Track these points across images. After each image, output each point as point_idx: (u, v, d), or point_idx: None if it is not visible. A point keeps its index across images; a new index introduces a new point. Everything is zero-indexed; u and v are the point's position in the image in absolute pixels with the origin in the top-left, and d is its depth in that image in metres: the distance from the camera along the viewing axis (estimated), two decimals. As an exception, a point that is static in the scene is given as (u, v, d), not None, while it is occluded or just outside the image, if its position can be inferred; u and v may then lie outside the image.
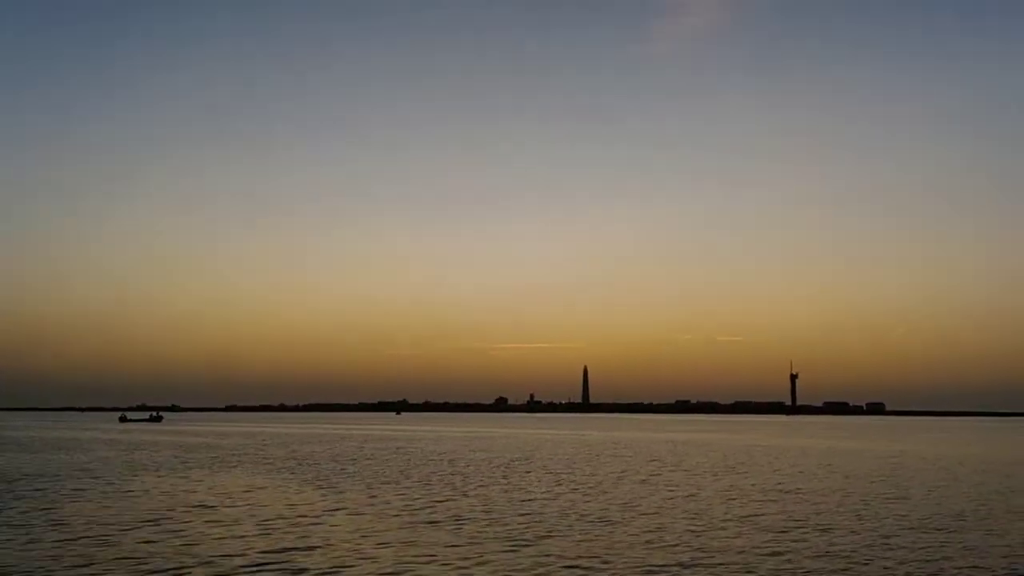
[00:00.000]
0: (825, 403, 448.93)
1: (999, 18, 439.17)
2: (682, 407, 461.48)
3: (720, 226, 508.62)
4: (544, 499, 31.59)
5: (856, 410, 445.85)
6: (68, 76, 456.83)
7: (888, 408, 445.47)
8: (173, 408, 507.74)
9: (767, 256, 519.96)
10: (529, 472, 45.44)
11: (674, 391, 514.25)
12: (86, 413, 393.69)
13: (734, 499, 32.14)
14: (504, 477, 41.87)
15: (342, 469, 46.86)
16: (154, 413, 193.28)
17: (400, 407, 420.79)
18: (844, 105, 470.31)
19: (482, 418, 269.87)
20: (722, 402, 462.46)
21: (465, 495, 32.85)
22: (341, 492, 33.83)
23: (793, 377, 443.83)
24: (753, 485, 38.37)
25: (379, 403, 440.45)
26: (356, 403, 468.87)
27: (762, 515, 27.43)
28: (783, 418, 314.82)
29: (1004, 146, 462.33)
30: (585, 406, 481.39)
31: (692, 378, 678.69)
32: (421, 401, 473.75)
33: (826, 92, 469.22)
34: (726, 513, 27.89)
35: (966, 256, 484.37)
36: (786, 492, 35.18)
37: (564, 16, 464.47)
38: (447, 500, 31.14)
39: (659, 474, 44.69)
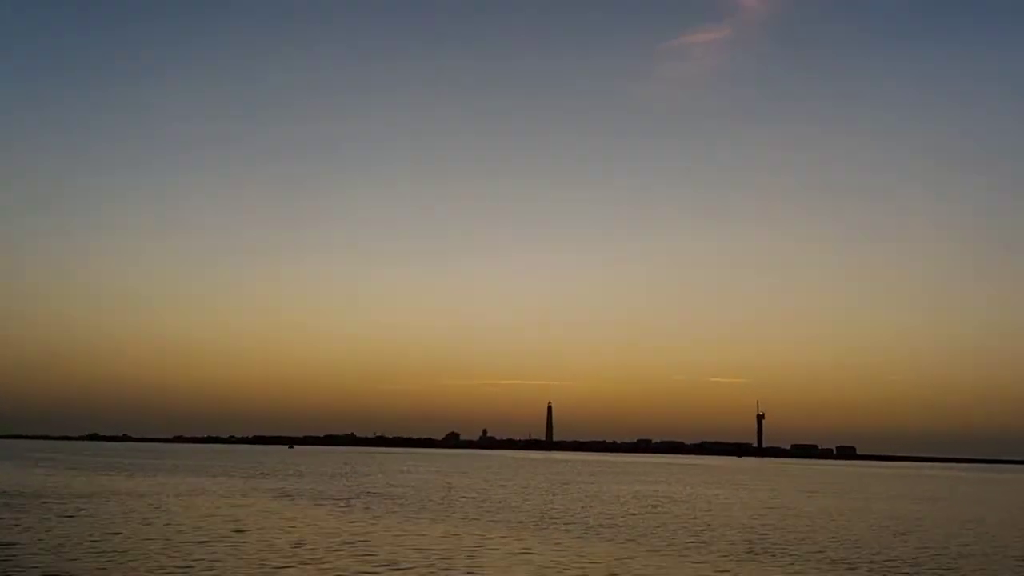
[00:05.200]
0: (793, 445, 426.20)
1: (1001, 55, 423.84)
2: (644, 447, 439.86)
3: (698, 266, 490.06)
4: None
5: (826, 453, 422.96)
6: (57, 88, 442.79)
7: (860, 452, 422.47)
8: (124, 438, 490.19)
9: (744, 295, 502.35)
10: None
11: (643, 431, 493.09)
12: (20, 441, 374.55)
13: None
14: None
15: None
16: None
17: (294, 441, 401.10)
18: (842, 145, 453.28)
19: (397, 455, 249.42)
20: (687, 442, 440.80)
21: None
22: None
23: (760, 417, 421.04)
24: None
25: (316, 436, 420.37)
26: (302, 436, 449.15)
27: None
28: (729, 461, 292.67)
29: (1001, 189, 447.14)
30: (548, 444, 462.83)
31: (666, 418, 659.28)
32: (372, 435, 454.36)
33: (826, 134, 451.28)
34: None
35: (955, 298, 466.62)
36: None
37: (562, 54, 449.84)
38: None
39: None
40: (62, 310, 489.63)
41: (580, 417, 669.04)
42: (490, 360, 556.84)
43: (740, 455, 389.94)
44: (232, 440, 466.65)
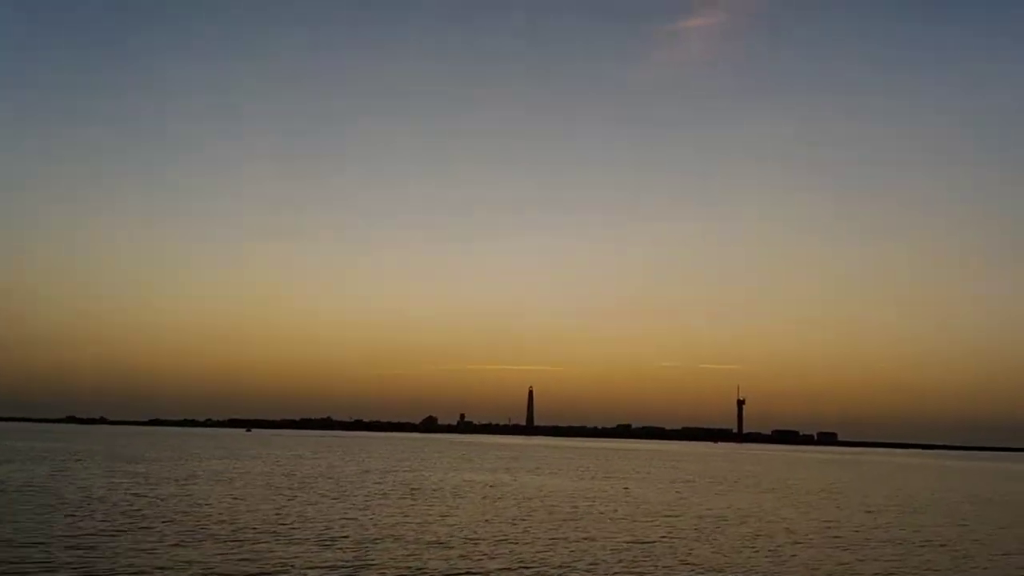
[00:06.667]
0: (774, 431, 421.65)
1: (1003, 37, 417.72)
2: (624, 432, 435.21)
3: (691, 252, 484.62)
4: None
5: (807, 439, 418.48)
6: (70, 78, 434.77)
7: (841, 438, 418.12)
8: (101, 421, 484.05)
9: (736, 282, 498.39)
10: None
11: (628, 416, 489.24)
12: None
13: None
14: None
15: None
16: None
17: (251, 424, 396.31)
18: (834, 135, 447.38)
19: (322, 439, 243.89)
20: (668, 427, 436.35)
21: None
22: None
23: (740, 403, 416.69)
24: None
25: (289, 420, 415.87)
26: (279, 419, 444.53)
27: None
28: (700, 447, 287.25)
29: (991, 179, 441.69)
30: (529, 428, 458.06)
31: (654, 404, 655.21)
32: (349, 419, 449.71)
33: (819, 122, 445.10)
34: None
35: (942, 290, 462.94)
36: None
37: (560, 40, 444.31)
38: None
39: None
40: (43, 293, 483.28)
41: (568, 402, 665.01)
42: (476, 345, 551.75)
43: (717, 440, 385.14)
44: (209, 423, 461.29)
